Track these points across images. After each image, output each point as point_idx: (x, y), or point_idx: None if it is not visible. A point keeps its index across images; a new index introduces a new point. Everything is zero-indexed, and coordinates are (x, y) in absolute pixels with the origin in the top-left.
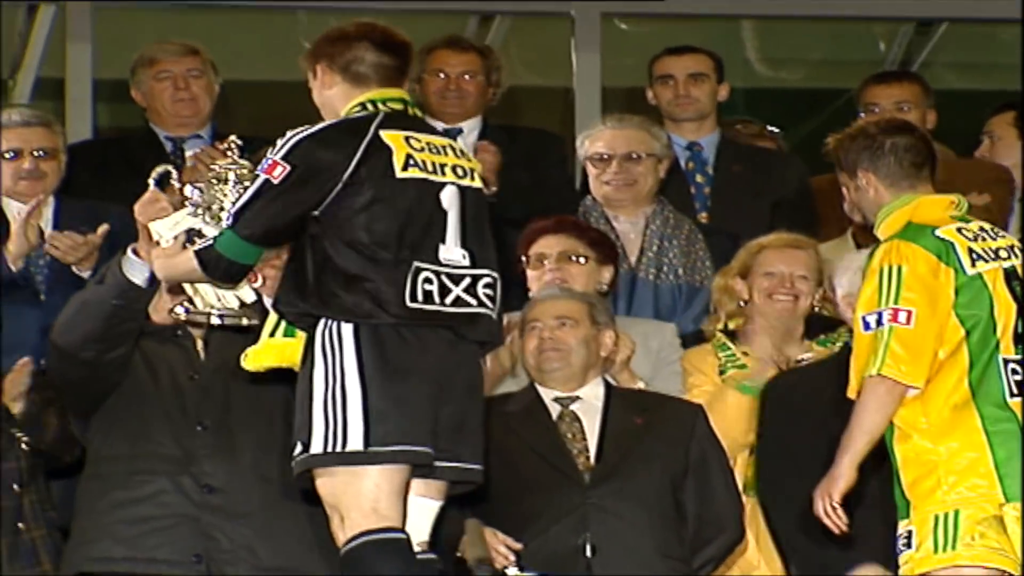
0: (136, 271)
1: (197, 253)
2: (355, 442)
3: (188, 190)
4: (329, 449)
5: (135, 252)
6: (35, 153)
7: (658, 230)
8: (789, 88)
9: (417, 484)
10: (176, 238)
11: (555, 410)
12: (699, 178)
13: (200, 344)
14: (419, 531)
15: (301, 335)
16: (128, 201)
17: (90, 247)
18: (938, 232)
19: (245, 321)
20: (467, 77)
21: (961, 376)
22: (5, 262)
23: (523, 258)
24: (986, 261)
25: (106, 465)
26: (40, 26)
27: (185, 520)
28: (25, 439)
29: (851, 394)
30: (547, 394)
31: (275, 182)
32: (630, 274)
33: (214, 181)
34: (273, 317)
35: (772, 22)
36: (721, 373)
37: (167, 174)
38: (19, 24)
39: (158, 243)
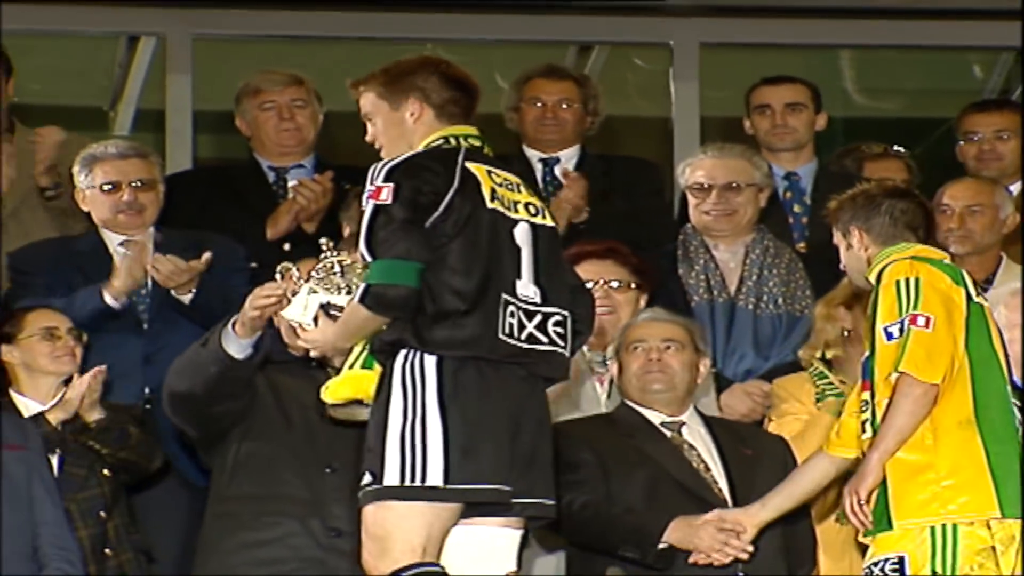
0: (232, 344)
1: (361, 302)
2: (434, 477)
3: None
4: (407, 482)
5: (234, 326)
6: (133, 184)
7: (758, 259)
8: (887, 117)
9: (497, 517)
10: (316, 319)
11: (667, 435)
12: (796, 208)
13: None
14: (506, 561)
15: (379, 368)
16: (230, 230)
17: (192, 273)
18: (945, 261)
19: None
20: (564, 105)
21: (966, 396)
22: (103, 296)
23: None
24: (984, 298)
25: (234, 504)
26: (140, 58)
27: (313, 563)
28: (105, 450)
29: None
30: (654, 418)
31: (387, 202)
32: (729, 303)
33: (327, 273)
34: (355, 350)
35: (870, 51)
36: (818, 400)
37: (287, 270)
38: (119, 56)
39: (299, 325)
